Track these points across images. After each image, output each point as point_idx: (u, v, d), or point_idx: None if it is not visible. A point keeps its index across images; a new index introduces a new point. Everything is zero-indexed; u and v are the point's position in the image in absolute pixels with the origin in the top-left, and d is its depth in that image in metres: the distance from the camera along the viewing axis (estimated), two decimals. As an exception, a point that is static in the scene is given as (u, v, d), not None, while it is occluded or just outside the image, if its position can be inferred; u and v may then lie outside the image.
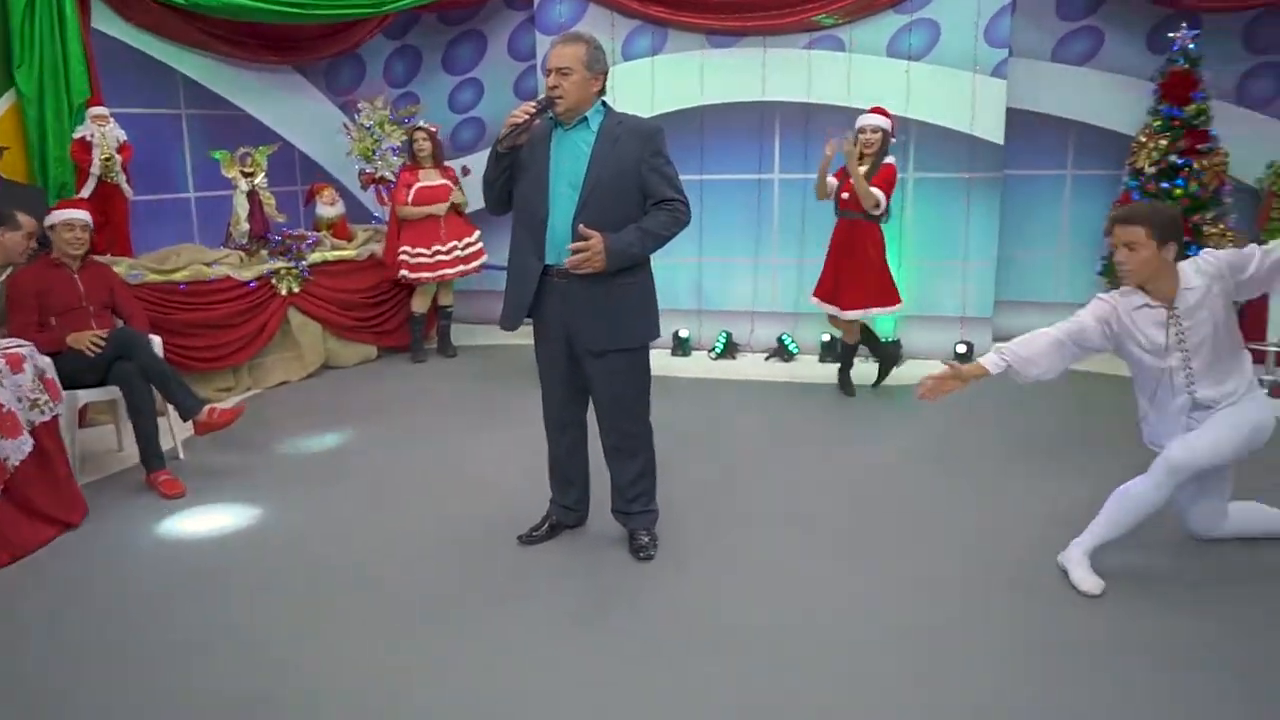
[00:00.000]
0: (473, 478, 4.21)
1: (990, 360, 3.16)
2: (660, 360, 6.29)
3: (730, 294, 6.55)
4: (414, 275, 6.30)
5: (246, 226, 5.93)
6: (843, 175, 5.17)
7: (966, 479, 4.11)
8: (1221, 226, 5.92)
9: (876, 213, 5.10)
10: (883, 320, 6.17)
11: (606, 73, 3.12)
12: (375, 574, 3.29)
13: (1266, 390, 5.17)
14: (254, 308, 5.74)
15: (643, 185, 3.09)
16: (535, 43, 6.69)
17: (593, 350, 3.20)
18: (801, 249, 6.32)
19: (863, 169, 5.04)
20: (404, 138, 6.56)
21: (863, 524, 3.66)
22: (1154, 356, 3.07)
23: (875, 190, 4.99)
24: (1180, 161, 5.82)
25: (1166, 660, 2.67)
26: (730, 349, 6.41)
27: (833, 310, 5.37)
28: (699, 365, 6.28)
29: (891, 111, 5.56)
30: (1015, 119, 6.25)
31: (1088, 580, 3.05)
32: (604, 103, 3.18)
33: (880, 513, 3.77)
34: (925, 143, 6.03)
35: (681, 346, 6.51)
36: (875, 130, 5.05)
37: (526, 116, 3.03)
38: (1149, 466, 3.06)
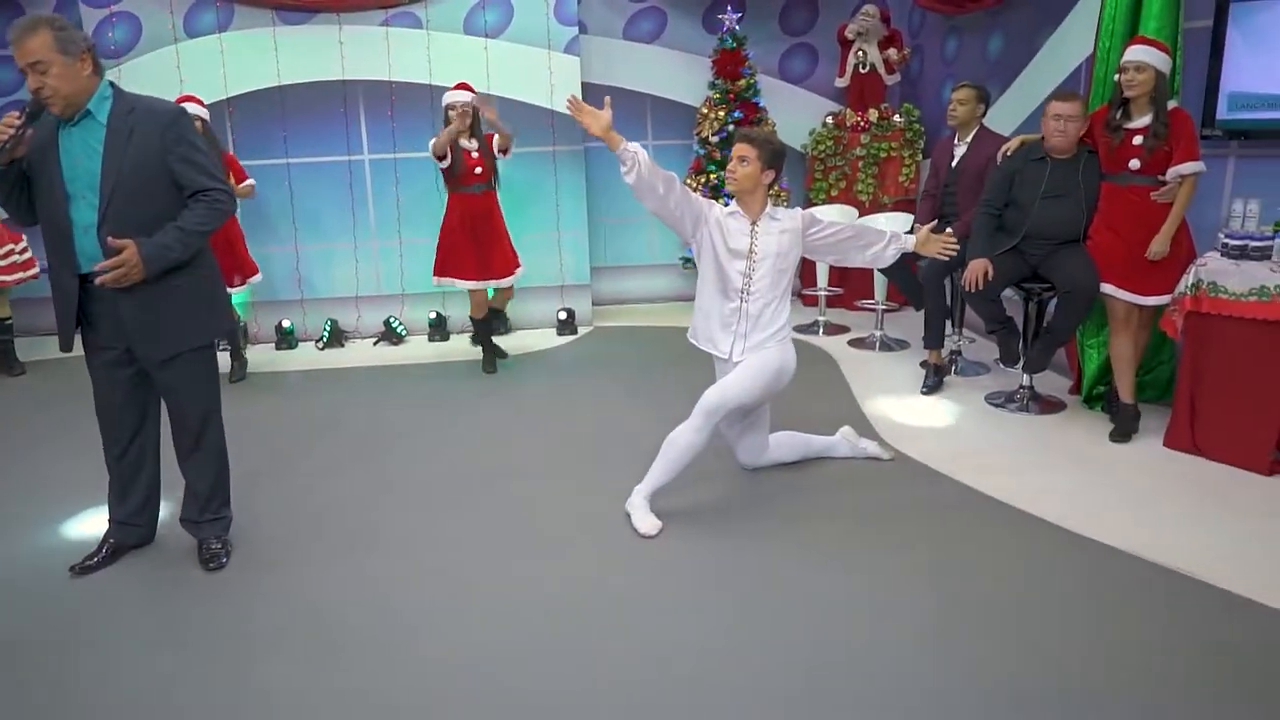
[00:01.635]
0: (35, 512, 3.71)
1: (629, 148, 3.33)
2: (264, 354, 6.01)
3: (332, 280, 6.34)
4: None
5: None
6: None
7: (572, 448, 4.32)
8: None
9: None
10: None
11: (92, 48, 2.81)
12: None
13: (820, 329, 5.93)
14: None
15: (174, 177, 2.84)
16: (81, 17, 5.96)
17: (154, 358, 2.94)
18: (400, 230, 6.25)
19: (475, 143, 5.16)
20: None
21: (462, 513, 3.71)
22: (728, 257, 3.45)
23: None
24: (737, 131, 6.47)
25: (715, 582, 2.98)
26: (337, 336, 6.22)
27: (502, 283, 5.43)
28: (306, 356, 6.03)
29: (477, 89, 5.65)
30: (594, 93, 6.59)
31: (645, 522, 3.32)
32: (110, 83, 2.87)
33: (485, 493, 3.84)
34: (508, 117, 6.14)
35: (286, 338, 6.21)
36: (468, 106, 5.06)
37: (11, 132, 2.68)
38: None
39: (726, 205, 3.53)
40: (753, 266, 3.44)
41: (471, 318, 5.50)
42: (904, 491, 3.65)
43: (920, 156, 6.59)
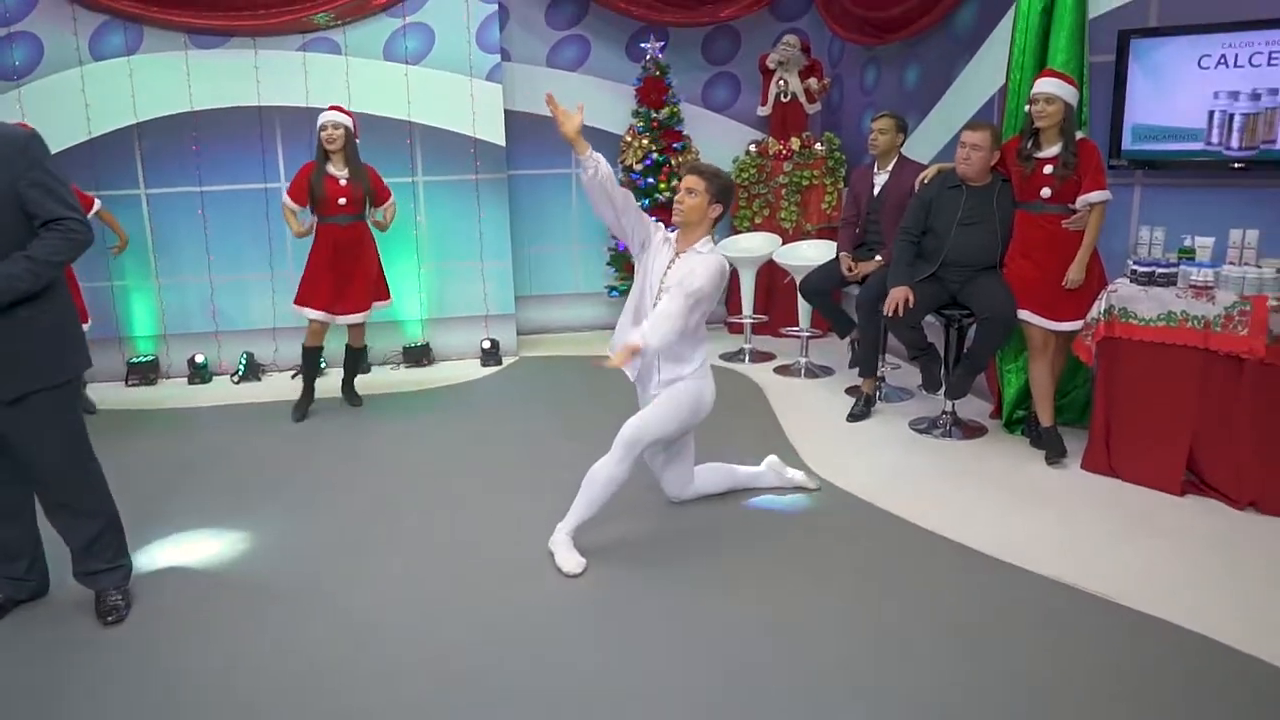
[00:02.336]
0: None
1: (594, 156, 3.32)
2: (177, 390, 5.78)
3: (248, 312, 6.14)
4: None
5: None
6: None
7: (485, 476, 4.22)
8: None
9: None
10: (411, 324, 6.18)
11: None
12: None
13: (746, 357, 5.92)
14: None
15: (24, 205, 2.66)
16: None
17: (4, 399, 2.75)
18: (319, 259, 6.09)
19: (346, 170, 4.98)
20: None
21: (365, 539, 3.59)
22: (648, 279, 3.46)
23: (391, 200, 5.08)
24: (661, 159, 6.49)
25: (640, 620, 2.92)
26: (253, 369, 6.02)
27: (350, 318, 5.19)
28: (222, 391, 5.81)
29: (394, 115, 5.57)
30: (517, 121, 6.55)
31: (569, 561, 3.24)
32: None
33: (403, 535, 3.72)
34: (431, 146, 6.09)
35: (200, 373, 5.99)
36: (337, 127, 4.90)
37: None
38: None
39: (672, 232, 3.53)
40: (661, 295, 3.40)
41: (304, 345, 5.16)
42: (830, 521, 3.65)
43: (842, 184, 6.69)
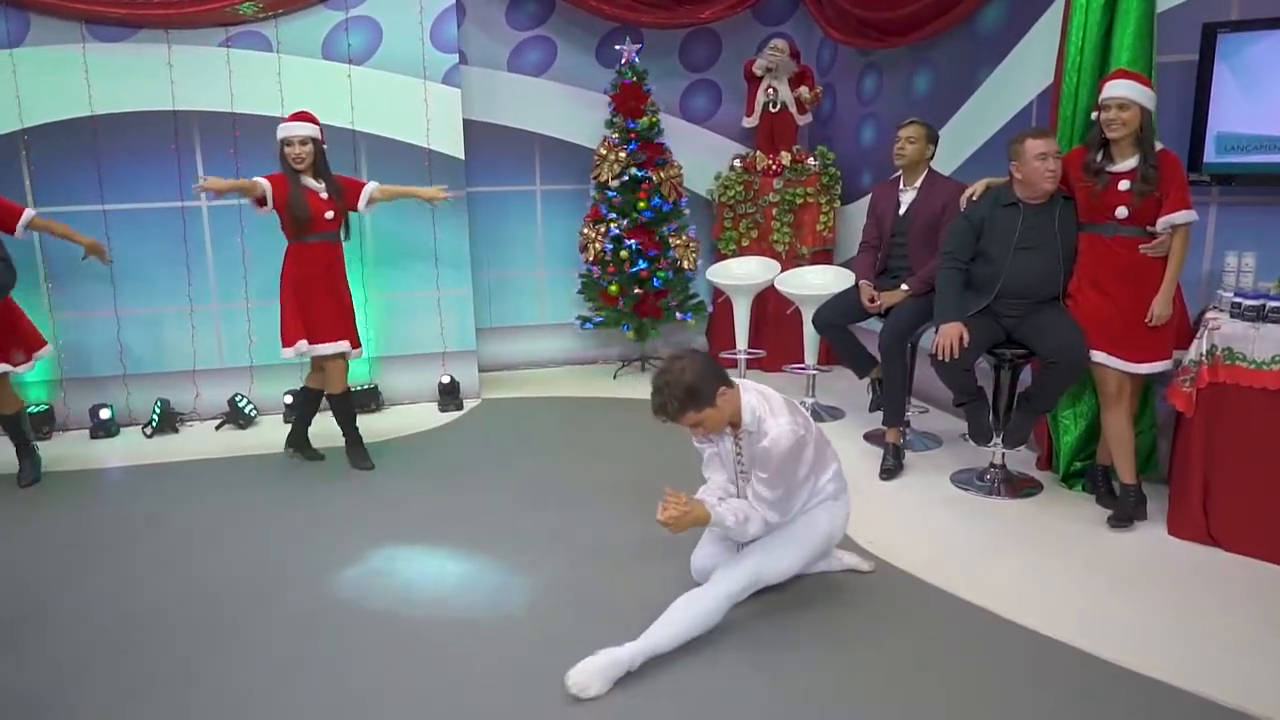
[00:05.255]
0: None
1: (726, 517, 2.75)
2: (75, 448, 4.83)
3: (162, 352, 5.21)
4: None
5: None
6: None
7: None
8: (685, 237, 6.01)
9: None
10: (357, 364, 5.33)
11: None
12: None
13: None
14: None
15: None
16: None
17: None
18: (247, 290, 5.22)
19: (321, 182, 4.26)
20: None
21: (301, 669, 2.77)
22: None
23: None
24: (640, 174, 5.79)
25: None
26: (169, 420, 5.10)
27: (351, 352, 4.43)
28: (131, 447, 4.89)
29: (335, 123, 4.79)
30: (476, 131, 5.79)
31: (595, 682, 2.49)
32: None
33: (344, 633, 2.90)
34: (378, 158, 5.27)
35: (105, 426, 5.05)
36: (304, 143, 4.17)
37: None
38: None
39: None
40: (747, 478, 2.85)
41: (328, 394, 4.40)
42: (894, 611, 2.98)
43: (838, 203, 6.06)
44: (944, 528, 3.64)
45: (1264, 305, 3.24)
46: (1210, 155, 3.65)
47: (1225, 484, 3.33)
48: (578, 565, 3.29)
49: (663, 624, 2.62)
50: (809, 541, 2.86)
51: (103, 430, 5.05)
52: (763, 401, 2.75)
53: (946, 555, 3.36)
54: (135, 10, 4.82)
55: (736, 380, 2.77)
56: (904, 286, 4.33)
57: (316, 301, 4.27)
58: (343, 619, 2.97)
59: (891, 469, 4.18)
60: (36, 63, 4.82)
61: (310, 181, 4.24)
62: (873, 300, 4.41)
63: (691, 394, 2.60)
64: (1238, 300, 3.32)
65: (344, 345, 4.34)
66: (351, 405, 4.51)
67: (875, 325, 4.66)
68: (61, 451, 4.75)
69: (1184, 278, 3.65)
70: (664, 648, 2.60)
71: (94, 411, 5.06)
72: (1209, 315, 3.39)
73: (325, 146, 4.33)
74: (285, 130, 4.19)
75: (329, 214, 4.25)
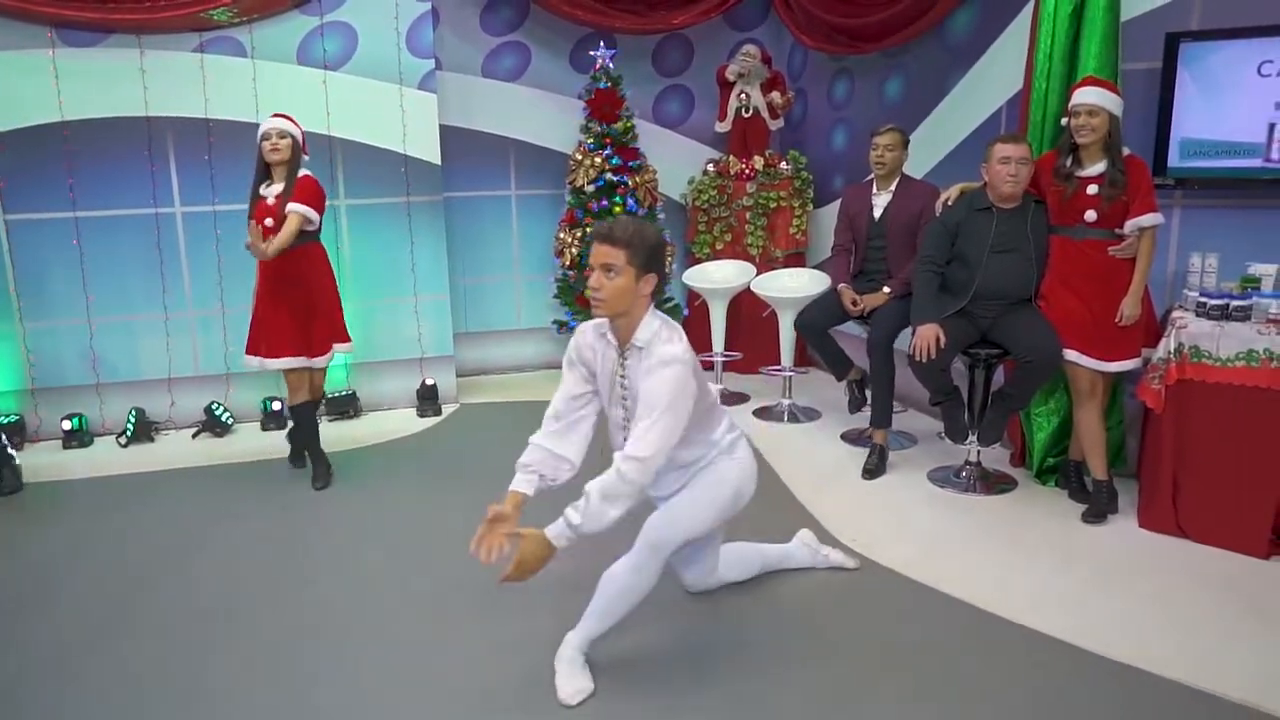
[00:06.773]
0: None
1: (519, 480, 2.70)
2: (49, 458, 4.77)
3: (137, 360, 5.16)
4: None
5: None
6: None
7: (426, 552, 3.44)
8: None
9: (310, 229, 4.17)
10: (335, 370, 5.30)
11: None
12: None
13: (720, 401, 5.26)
14: None
15: None
16: None
17: None
18: (223, 296, 5.18)
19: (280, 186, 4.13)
20: None
21: (290, 668, 2.78)
22: (605, 397, 2.67)
23: (302, 208, 4.06)
24: (616, 179, 5.83)
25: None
26: (144, 429, 5.05)
27: (315, 362, 4.30)
28: (105, 457, 4.83)
29: (311, 129, 4.75)
30: (451, 137, 5.79)
31: (569, 686, 2.53)
32: None
33: (328, 647, 2.91)
34: (354, 164, 5.27)
35: (76, 435, 4.98)
36: (283, 136, 4.11)
37: None
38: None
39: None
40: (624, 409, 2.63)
41: (290, 406, 4.36)
42: (880, 608, 3.03)
43: (811, 206, 6.15)
44: (924, 525, 3.71)
45: (1227, 305, 3.36)
46: (1174, 160, 3.78)
47: (1193, 477, 3.45)
48: (563, 562, 3.31)
49: (594, 603, 2.62)
50: (720, 494, 2.69)
51: (75, 440, 4.99)
52: (666, 329, 2.52)
53: (928, 551, 3.44)
54: (106, 15, 4.77)
55: None
56: (886, 289, 4.42)
57: (272, 313, 4.18)
58: (324, 627, 2.97)
59: (874, 469, 4.25)
60: (5, 67, 4.75)
61: (275, 187, 4.13)
62: (855, 304, 4.48)
63: (644, 244, 2.42)
64: (1203, 300, 3.44)
65: (299, 360, 4.21)
66: (313, 419, 4.38)
67: (852, 329, 4.75)
68: (34, 461, 4.68)
69: (1151, 278, 3.77)
70: (602, 625, 2.61)
71: (66, 421, 5.00)
72: (1175, 314, 3.50)
73: (307, 157, 4.27)
74: (265, 124, 4.13)
75: (269, 221, 4.06)
